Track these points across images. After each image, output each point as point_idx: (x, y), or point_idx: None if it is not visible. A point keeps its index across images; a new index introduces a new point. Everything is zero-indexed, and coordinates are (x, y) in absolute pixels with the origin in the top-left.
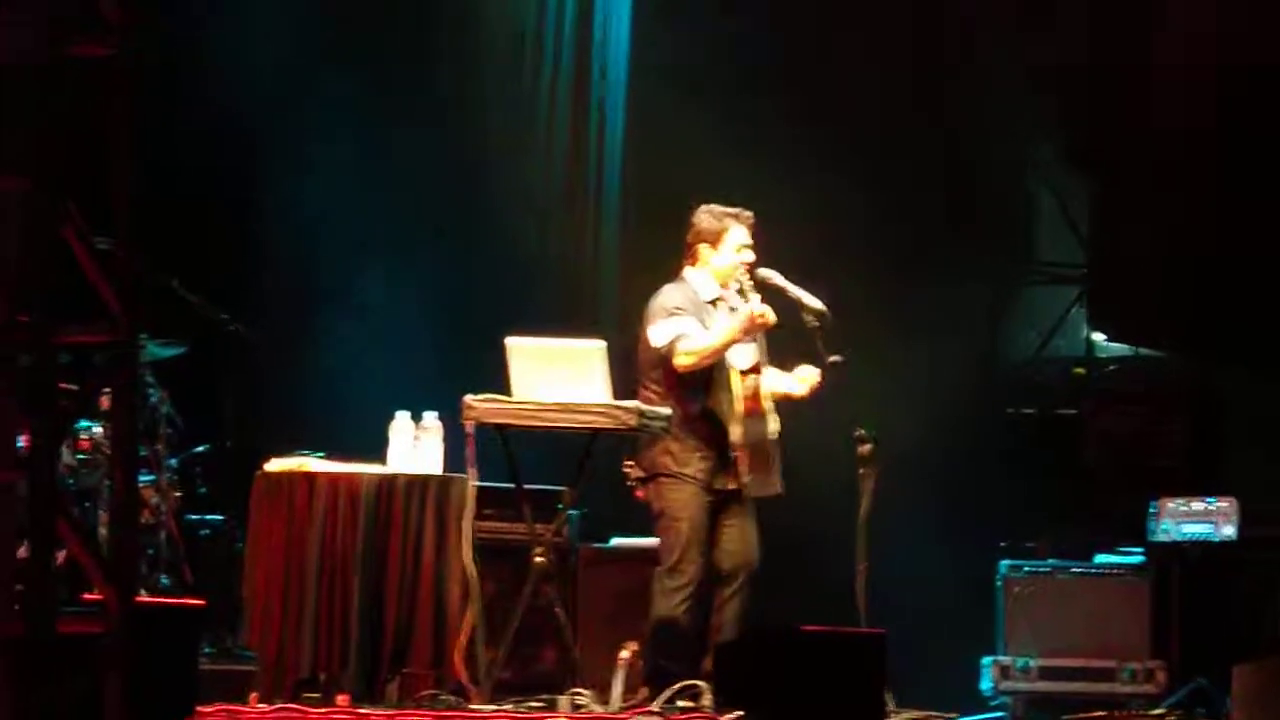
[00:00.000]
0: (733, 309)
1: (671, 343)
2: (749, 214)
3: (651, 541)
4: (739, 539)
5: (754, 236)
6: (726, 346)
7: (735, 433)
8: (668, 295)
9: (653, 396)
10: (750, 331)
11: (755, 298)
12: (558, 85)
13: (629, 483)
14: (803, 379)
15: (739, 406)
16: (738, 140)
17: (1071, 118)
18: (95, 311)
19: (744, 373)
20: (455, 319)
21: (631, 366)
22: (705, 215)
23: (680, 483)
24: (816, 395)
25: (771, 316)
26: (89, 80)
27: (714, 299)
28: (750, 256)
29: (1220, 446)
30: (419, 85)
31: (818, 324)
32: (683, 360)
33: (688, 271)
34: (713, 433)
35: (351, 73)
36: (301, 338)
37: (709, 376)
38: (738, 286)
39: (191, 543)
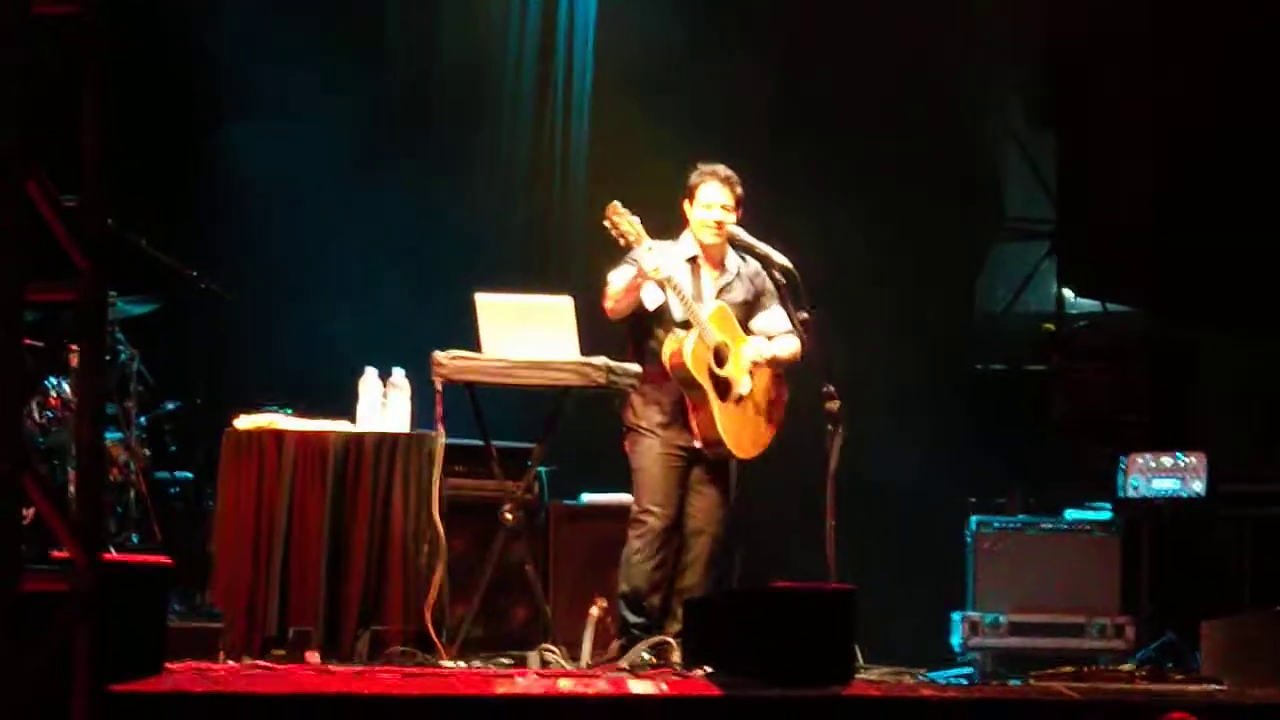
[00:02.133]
0: (727, 271)
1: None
2: (723, 169)
3: (622, 497)
4: (700, 504)
5: (732, 190)
6: (627, 290)
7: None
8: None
9: (627, 349)
10: (642, 279)
11: (652, 244)
12: (525, 42)
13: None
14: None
15: (665, 358)
16: (707, 101)
17: (1041, 78)
18: (63, 269)
19: (679, 324)
20: (425, 275)
21: (600, 323)
22: (690, 172)
23: (640, 435)
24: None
25: (658, 267)
26: (56, 37)
27: (692, 256)
28: (719, 214)
29: (1189, 402)
30: (387, 47)
31: (784, 281)
32: (604, 304)
33: (686, 231)
34: (670, 386)
35: (319, 32)
36: (271, 296)
37: (662, 329)
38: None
39: (161, 500)
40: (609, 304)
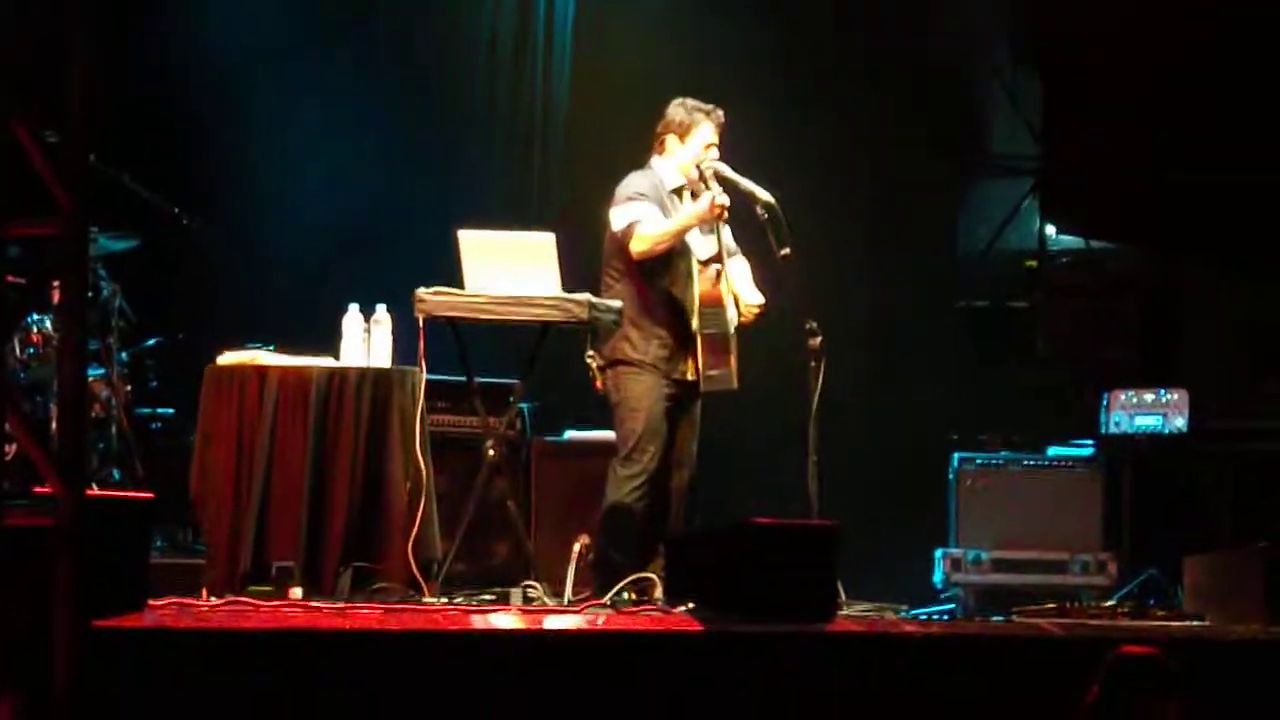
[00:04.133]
0: (694, 196)
1: (628, 227)
2: (719, 112)
3: (605, 434)
4: (681, 439)
5: (721, 135)
6: (681, 233)
7: (694, 322)
8: (631, 181)
9: (614, 284)
10: (707, 220)
11: (716, 187)
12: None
13: (590, 374)
14: (747, 305)
15: (698, 296)
16: (686, 39)
17: (1025, 14)
18: (44, 204)
19: (704, 263)
20: (407, 211)
21: (580, 260)
22: (677, 108)
23: (639, 370)
24: (767, 289)
25: (726, 203)
26: None
27: (678, 188)
28: (715, 154)
29: (1172, 339)
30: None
31: (767, 216)
32: (637, 245)
33: (655, 160)
34: (673, 320)
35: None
36: (253, 231)
37: (670, 264)
38: (695, 174)
39: (143, 436)
40: (649, 247)
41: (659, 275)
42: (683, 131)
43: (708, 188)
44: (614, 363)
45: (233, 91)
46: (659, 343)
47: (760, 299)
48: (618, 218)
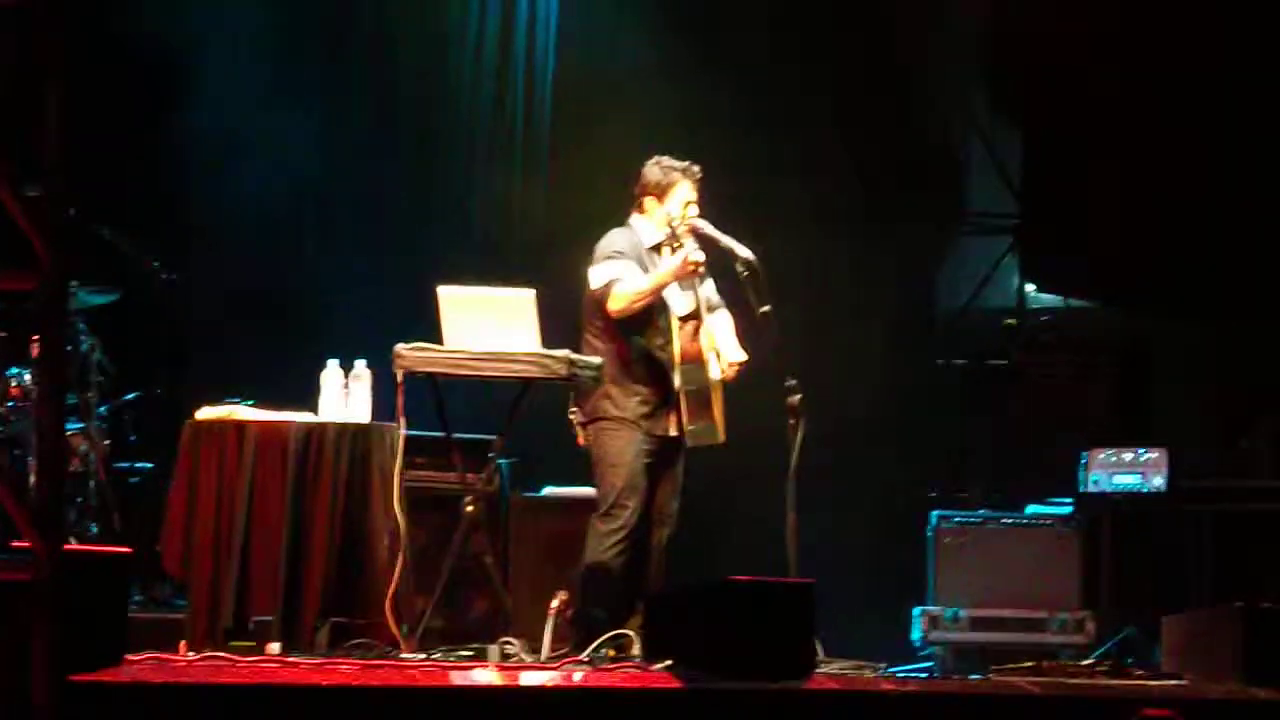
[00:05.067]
0: (674, 252)
1: (606, 285)
2: (696, 169)
3: (584, 490)
4: (661, 496)
5: (700, 191)
6: (657, 290)
7: (675, 379)
8: (611, 239)
9: (596, 342)
10: (682, 277)
11: (690, 243)
12: (486, 22)
13: (573, 430)
14: (730, 362)
15: (677, 353)
16: (667, 88)
17: (1004, 72)
18: (24, 259)
19: (683, 319)
20: (387, 267)
21: (561, 317)
22: (653, 168)
23: (619, 427)
24: (749, 345)
25: (701, 259)
26: (14, 26)
27: (656, 245)
28: (694, 211)
29: (1150, 397)
30: (345, 28)
31: (747, 273)
32: (614, 304)
33: (634, 218)
34: (653, 377)
35: (275, 15)
36: (232, 286)
37: (650, 321)
38: (669, 232)
39: (121, 490)
40: (626, 305)
41: (638, 332)
42: (660, 192)
43: (681, 245)
44: (595, 419)
45: (212, 144)
46: (639, 399)
47: (742, 356)
48: (596, 276)
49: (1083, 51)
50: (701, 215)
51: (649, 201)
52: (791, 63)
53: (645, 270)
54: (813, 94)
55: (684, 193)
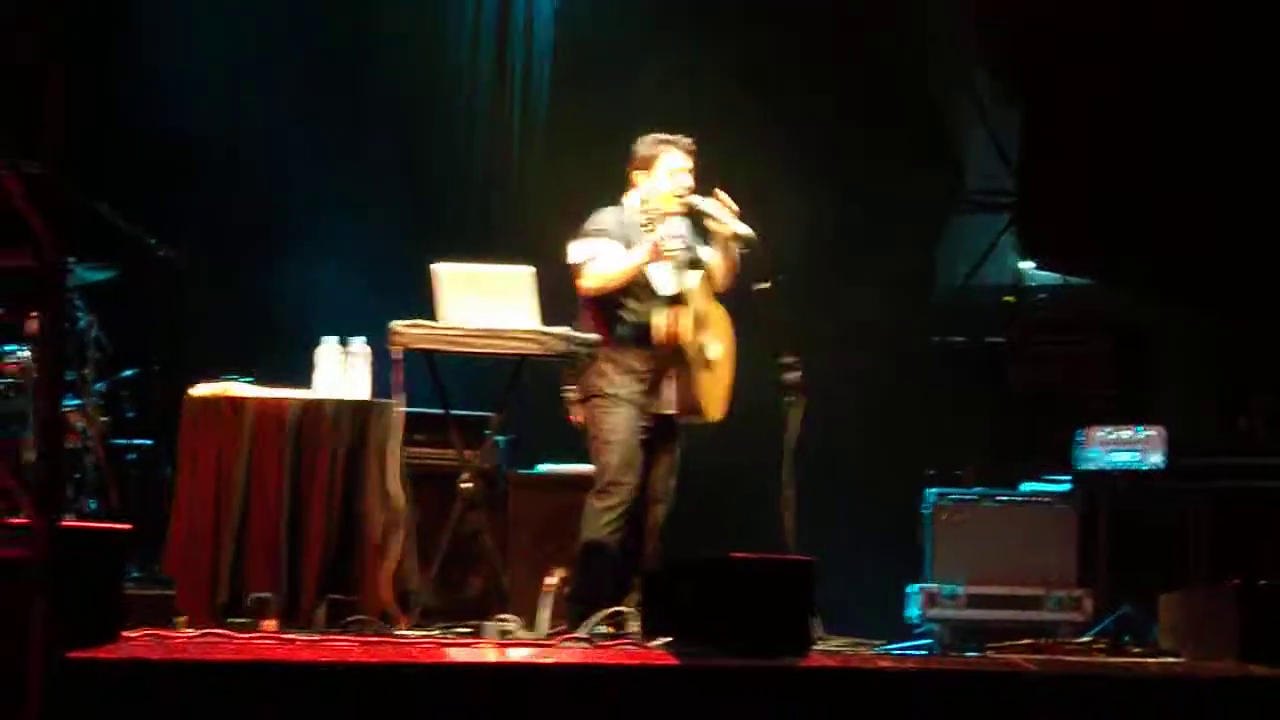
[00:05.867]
0: (674, 235)
1: (583, 263)
2: (686, 140)
3: (582, 468)
4: (658, 473)
5: (694, 161)
6: (629, 274)
7: (659, 358)
8: (597, 217)
9: (589, 318)
10: (654, 260)
11: (665, 228)
12: (482, 12)
13: (569, 407)
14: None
15: (660, 333)
16: (667, 69)
17: (1003, 51)
18: (22, 236)
19: (668, 301)
20: (385, 244)
21: (560, 294)
22: (641, 143)
23: (614, 403)
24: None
25: (677, 245)
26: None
27: (647, 222)
28: (686, 181)
29: (1148, 375)
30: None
31: (746, 250)
32: (587, 283)
33: (628, 195)
34: (646, 355)
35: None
36: (230, 263)
37: (640, 300)
38: (645, 219)
39: (118, 467)
40: (600, 283)
41: (630, 310)
42: (646, 164)
43: (651, 229)
44: (589, 396)
45: (209, 122)
46: (634, 377)
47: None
48: (574, 252)
49: (1082, 31)
50: (697, 188)
51: (638, 175)
52: (791, 40)
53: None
54: (812, 73)
55: (671, 161)
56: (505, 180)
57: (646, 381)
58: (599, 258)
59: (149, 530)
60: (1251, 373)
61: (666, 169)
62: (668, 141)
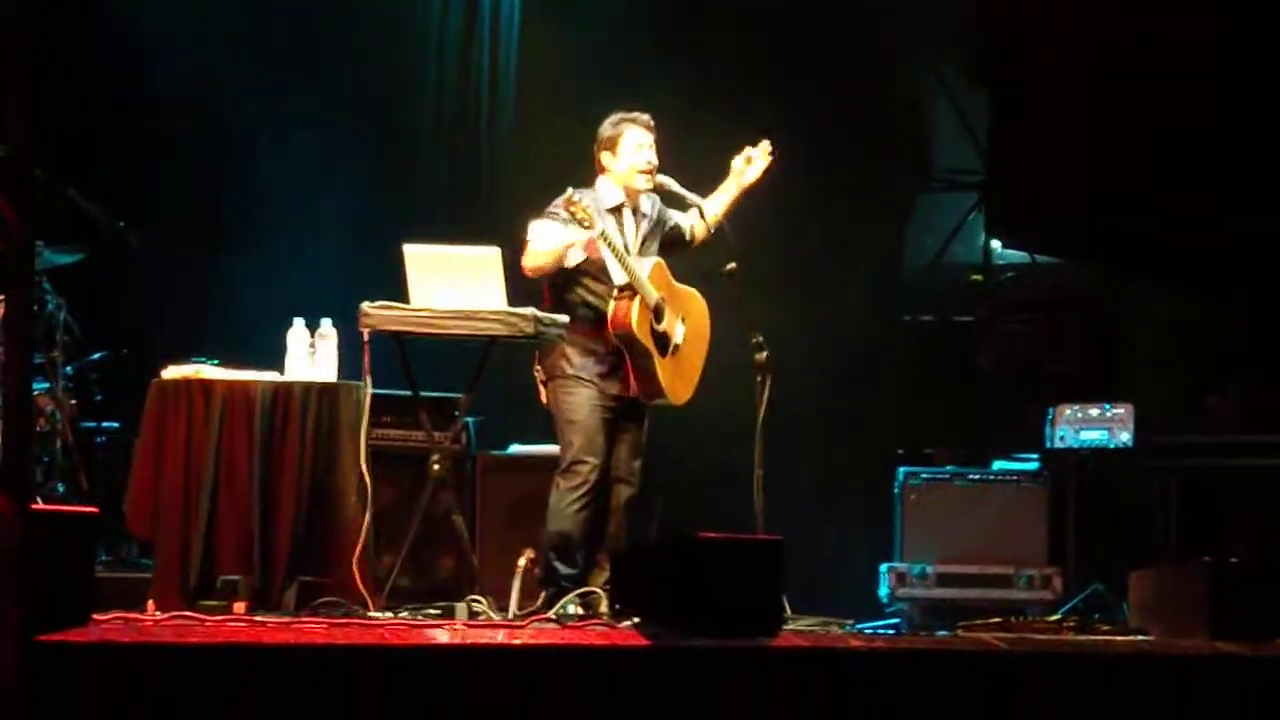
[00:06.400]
0: (642, 214)
1: (528, 241)
2: (644, 116)
3: (550, 449)
4: (622, 453)
5: (655, 138)
6: (556, 260)
7: (614, 344)
8: (563, 197)
9: (553, 299)
10: (589, 254)
11: (604, 222)
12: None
13: (535, 388)
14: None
15: (611, 322)
16: (638, 51)
17: (971, 28)
18: None
19: (619, 289)
20: (354, 226)
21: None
22: (604, 124)
23: (574, 384)
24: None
25: (615, 240)
26: None
27: (616, 205)
28: (649, 156)
29: (1117, 354)
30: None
31: (714, 232)
32: (525, 261)
33: (600, 179)
34: (602, 337)
35: None
36: (198, 245)
37: (596, 283)
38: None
39: (87, 450)
40: (535, 263)
41: (589, 293)
42: (611, 144)
43: (589, 225)
44: (552, 377)
45: (178, 105)
46: (595, 359)
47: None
48: (529, 229)
49: (1050, 9)
50: (662, 164)
51: (605, 157)
52: (760, 22)
53: (606, 231)
54: (781, 53)
55: (633, 137)
56: (476, 161)
57: (606, 363)
58: (540, 239)
59: (118, 514)
60: (1221, 351)
61: (631, 144)
62: (628, 119)
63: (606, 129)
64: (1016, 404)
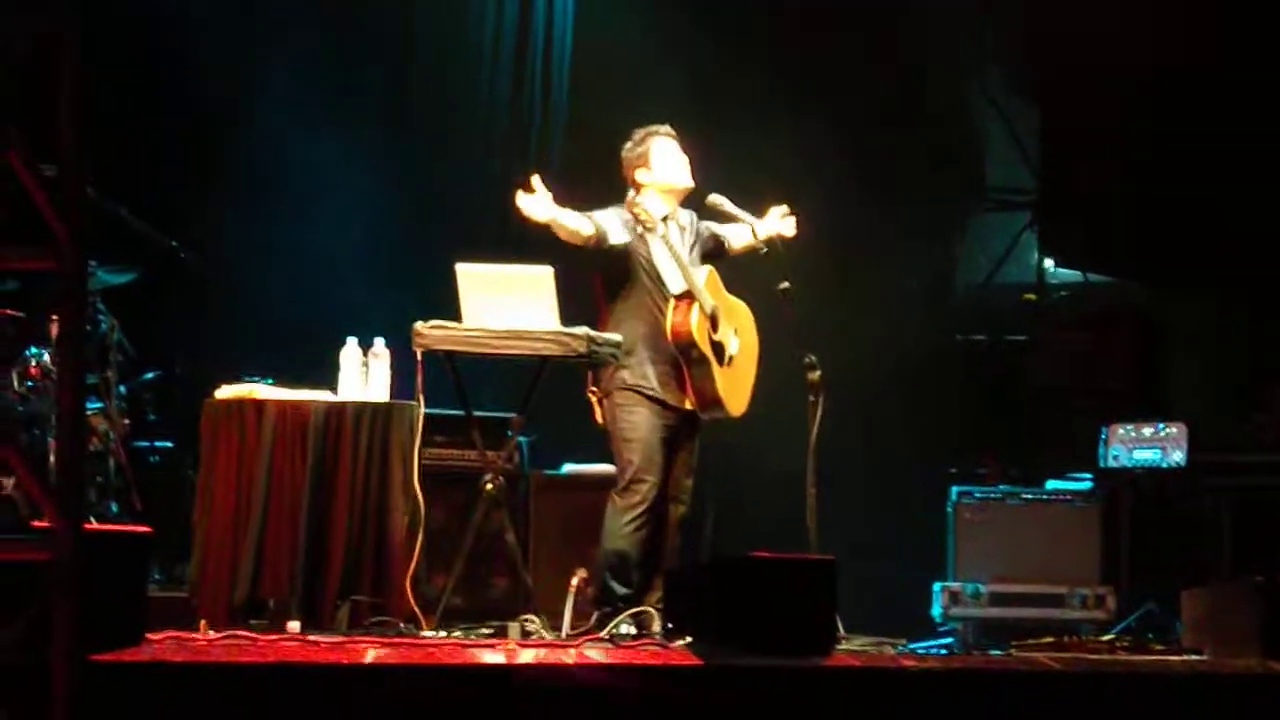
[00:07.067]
0: (682, 227)
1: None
2: (664, 126)
3: (604, 468)
4: (676, 471)
5: (682, 146)
6: (564, 229)
7: (673, 354)
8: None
9: (608, 316)
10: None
11: (663, 228)
12: (503, 14)
13: (592, 408)
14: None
15: (670, 330)
16: (689, 73)
17: (1022, 49)
18: (43, 238)
19: (677, 298)
20: (407, 245)
21: (579, 295)
22: (626, 146)
23: (635, 401)
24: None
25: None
26: (32, 4)
27: (663, 217)
28: (683, 160)
29: (1169, 372)
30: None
31: (766, 250)
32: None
33: (640, 198)
34: (666, 350)
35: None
36: (252, 265)
37: (651, 297)
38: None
39: (140, 470)
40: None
41: (644, 306)
42: (643, 160)
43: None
44: (610, 393)
45: (230, 125)
46: (655, 372)
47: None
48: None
49: (1100, 28)
50: (715, 177)
51: (640, 173)
52: (813, 41)
53: (636, 241)
54: (834, 73)
55: (660, 147)
56: (527, 178)
57: (664, 377)
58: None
59: (171, 533)
60: (1269, 369)
61: (660, 154)
62: (650, 133)
63: (632, 148)
64: (1069, 423)
